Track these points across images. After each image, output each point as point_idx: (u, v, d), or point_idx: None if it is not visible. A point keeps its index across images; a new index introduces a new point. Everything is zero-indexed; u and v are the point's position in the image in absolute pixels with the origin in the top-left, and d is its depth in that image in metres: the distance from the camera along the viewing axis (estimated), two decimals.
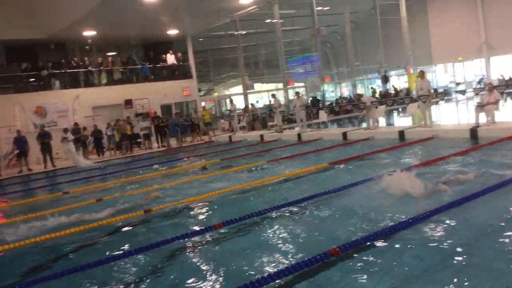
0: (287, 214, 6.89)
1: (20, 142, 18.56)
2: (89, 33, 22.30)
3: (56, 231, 7.35)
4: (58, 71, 22.65)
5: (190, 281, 4.83)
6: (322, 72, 28.51)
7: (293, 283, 4.40)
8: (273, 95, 21.02)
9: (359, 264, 4.62)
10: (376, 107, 16.94)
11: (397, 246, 5.01)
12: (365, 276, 4.32)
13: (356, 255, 4.83)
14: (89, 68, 23.75)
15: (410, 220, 5.60)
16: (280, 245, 5.61)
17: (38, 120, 21.28)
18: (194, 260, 5.55)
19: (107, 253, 6.16)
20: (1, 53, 22.78)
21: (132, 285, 4.92)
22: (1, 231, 7.85)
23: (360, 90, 37.17)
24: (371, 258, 4.73)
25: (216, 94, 36.69)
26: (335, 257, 4.75)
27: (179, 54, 26.87)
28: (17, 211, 10.23)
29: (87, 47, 25.87)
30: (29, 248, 6.79)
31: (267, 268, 4.86)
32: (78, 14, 19.28)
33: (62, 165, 18.99)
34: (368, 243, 5.09)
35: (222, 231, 6.47)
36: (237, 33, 28.67)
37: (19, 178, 17.21)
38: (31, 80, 22.49)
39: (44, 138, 18.82)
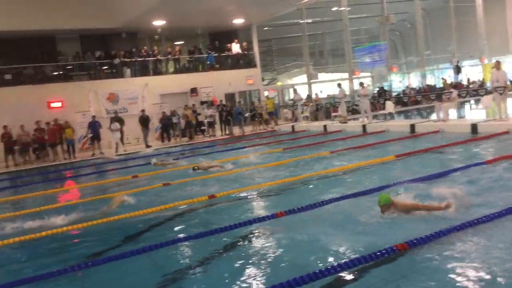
0: (350, 205, 6.76)
1: (94, 127, 19.54)
2: (158, 22, 22.96)
3: (125, 213, 7.69)
4: (129, 60, 23.55)
5: (247, 268, 4.87)
6: (390, 62, 27.63)
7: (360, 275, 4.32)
8: (339, 85, 20.64)
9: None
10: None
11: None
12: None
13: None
14: (158, 57, 24.50)
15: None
16: (339, 236, 5.51)
17: (110, 106, 22.28)
18: (253, 246, 5.59)
19: (170, 235, 6.36)
20: (77, 42, 24.03)
21: (191, 269, 5.04)
22: (76, 210, 8.32)
23: (430, 80, 35.66)
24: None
25: (279, 83, 36.64)
26: (401, 251, 4.62)
27: (244, 43, 27.04)
28: (90, 192, 10.80)
29: (156, 36, 26.65)
30: (101, 227, 7.15)
31: (331, 259, 4.80)
32: (149, 4, 19.91)
33: (131, 149, 19.78)
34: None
35: (284, 219, 6.47)
36: (302, 21, 28.41)
37: (92, 160, 18.11)
38: (104, 68, 23.57)
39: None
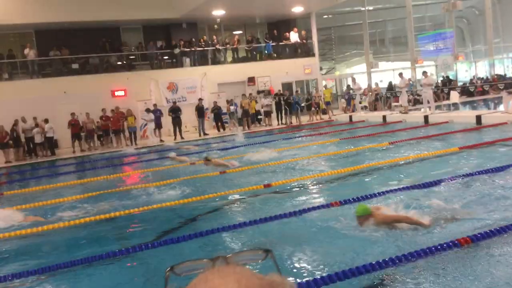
0: (407, 197, 6.53)
1: (156, 115, 20.12)
2: (218, 12, 23.19)
3: (184, 198, 7.89)
4: (189, 49, 24.00)
5: (298, 255, 4.84)
6: (456, 50, 26.34)
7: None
8: (400, 74, 19.96)
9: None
10: None
11: None
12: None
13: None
14: (217, 46, 24.78)
15: None
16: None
17: (170, 95, 22.85)
18: (304, 235, 5.55)
19: (225, 222, 6.44)
20: (140, 32, 24.79)
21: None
22: (140, 195, 8.64)
23: (498, 70, 33.67)
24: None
25: (337, 73, 35.99)
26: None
27: (303, 32, 26.76)
28: (152, 178, 11.12)
29: (216, 26, 26.95)
30: (163, 211, 7.36)
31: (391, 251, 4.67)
32: None
33: (190, 137, 20.20)
34: None
35: (338, 209, 6.37)
36: (363, 9, 27.66)
37: (153, 148, 18.66)
38: (165, 57, 24.17)
39: (175, 112, 20.21)
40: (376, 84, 25.04)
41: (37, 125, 18.29)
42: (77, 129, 19.15)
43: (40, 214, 7.81)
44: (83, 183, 11.37)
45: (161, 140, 19.95)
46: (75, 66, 21.84)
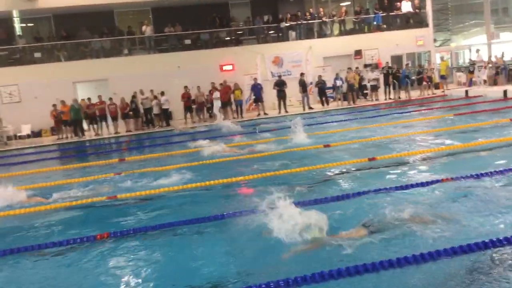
0: None
1: (256, 89, 20.52)
2: None
3: (286, 169, 8.08)
4: (295, 23, 23.93)
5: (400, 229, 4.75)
6: None
7: None
8: None
9: None
10: None
11: None
12: None
13: None
14: (323, 19, 24.37)
15: None
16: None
17: (275, 69, 23.08)
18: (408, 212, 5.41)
19: (329, 192, 6.48)
20: (248, 7, 25.21)
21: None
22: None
23: None
24: None
25: (453, 44, 33.52)
26: None
27: (416, 1, 25.23)
28: (256, 150, 11.44)
29: None
30: (268, 180, 7.60)
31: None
32: None
33: (294, 111, 20.31)
34: None
35: (449, 185, 6.08)
36: None
37: (255, 120, 19.09)
38: (271, 31, 24.37)
39: (280, 86, 20.41)
40: (497, 56, 22.95)
41: (154, 97, 19.64)
42: (189, 102, 20.22)
43: (153, 178, 8.45)
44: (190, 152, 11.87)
45: (265, 113, 20.33)
46: (187, 41, 22.92)
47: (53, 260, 5.12)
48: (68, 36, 22.09)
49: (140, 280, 4.33)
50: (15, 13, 22.23)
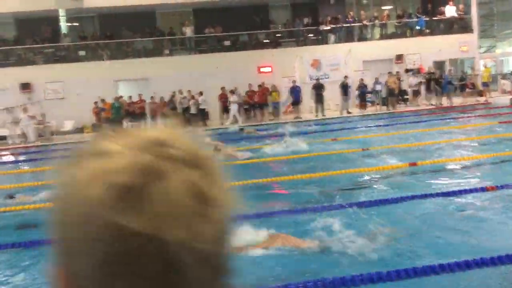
0: None
1: (295, 92, 20.43)
2: None
3: (325, 170, 7.98)
4: (335, 26, 23.73)
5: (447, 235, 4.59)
6: None
7: None
8: None
9: None
10: None
11: None
12: None
13: None
14: (364, 22, 24.06)
15: None
16: None
17: (314, 72, 22.92)
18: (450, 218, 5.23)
19: (371, 196, 6.36)
20: (288, 10, 25.20)
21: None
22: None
23: None
24: None
25: (498, 51, 32.43)
26: None
27: (461, 6, 24.54)
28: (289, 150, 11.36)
29: (365, 1, 26.13)
30: (303, 183, 7.55)
31: None
32: None
33: (332, 115, 20.11)
34: None
35: (494, 194, 5.86)
36: None
37: (295, 122, 18.98)
38: (310, 34, 24.25)
39: (318, 89, 20.26)
40: None
41: (192, 97, 19.88)
42: (226, 103, 20.35)
43: None
44: None
45: (298, 117, 20.25)
46: (227, 43, 23.10)
47: None
48: (111, 35, 22.67)
49: None
50: (61, 12, 22.98)
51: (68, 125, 20.44)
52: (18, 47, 22.14)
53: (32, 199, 7.49)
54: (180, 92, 20.12)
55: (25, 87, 20.78)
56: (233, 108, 20.07)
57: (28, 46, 22.11)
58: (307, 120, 19.18)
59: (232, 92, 20.34)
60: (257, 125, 18.94)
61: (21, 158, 14.33)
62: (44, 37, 22.69)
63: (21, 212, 7.15)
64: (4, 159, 14.54)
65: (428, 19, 24.30)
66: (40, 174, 10.83)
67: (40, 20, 22.49)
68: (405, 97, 21.86)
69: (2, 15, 22.20)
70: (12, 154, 15.26)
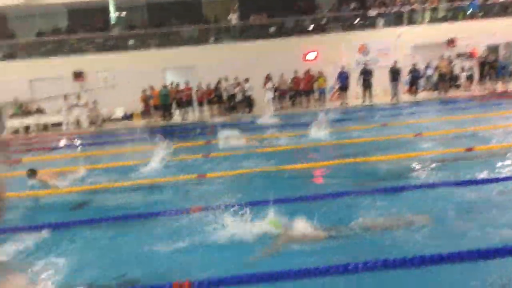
0: None
1: (342, 77, 20.11)
2: None
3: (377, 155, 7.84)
4: (383, 10, 23.10)
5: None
6: None
7: None
8: None
9: None
10: None
11: None
12: None
13: None
14: (414, 5, 23.30)
15: None
16: None
17: (361, 57, 22.47)
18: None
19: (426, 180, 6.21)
20: None
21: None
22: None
23: None
24: None
25: None
26: None
27: None
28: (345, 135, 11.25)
29: None
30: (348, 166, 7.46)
31: None
32: None
33: (379, 101, 19.69)
34: None
35: None
36: None
37: (340, 109, 18.74)
38: (357, 19, 23.73)
39: (366, 75, 19.87)
40: None
41: (238, 84, 19.97)
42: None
43: None
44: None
45: (346, 103, 19.92)
46: (272, 29, 22.98)
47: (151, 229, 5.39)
48: (159, 24, 23.06)
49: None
50: (111, 2, 23.56)
51: (119, 112, 21.05)
52: (70, 37, 22.90)
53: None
54: (226, 79, 20.24)
55: (78, 75, 21.50)
56: (268, 95, 20.00)
57: (80, 36, 22.84)
58: (354, 106, 18.90)
59: (268, 78, 20.28)
60: (302, 112, 18.84)
61: (75, 143, 14.90)
62: (95, 27, 23.37)
63: (75, 193, 7.50)
64: (60, 144, 15.15)
65: (482, 1, 23.25)
66: (92, 158, 11.29)
67: (91, 10, 23.17)
68: (458, 82, 21.09)
69: (55, 5, 23.05)
70: (67, 139, 15.89)
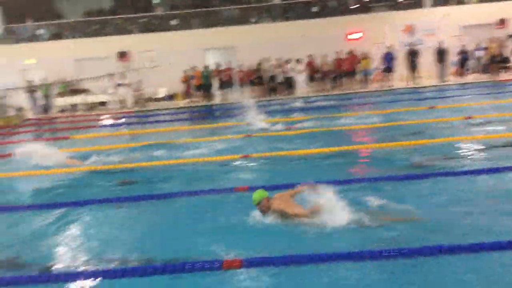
0: None
1: (388, 58, 19.54)
2: None
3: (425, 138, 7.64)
4: None
5: None
6: None
7: None
8: None
9: None
10: None
11: None
12: None
13: None
14: None
15: None
16: None
17: (406, 38, 21.76)
18: None
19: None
20: None
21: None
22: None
23: None
24: None
25: None
26: None
27: None
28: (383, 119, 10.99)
29: None
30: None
31: None
32: None
33: (425, 83, 19.08)
34: None
35: None
36: None
37: (384, 92, 18.28)
38: None
39: (412, 56, 19.25)
40: None
41: (279, 66, 19.79)
42: (313, 71, 20.01)
43: None
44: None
45: (390, 85, 19.41)
46: (314, 9, 22.58)
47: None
48: (201, 5, 23.07)
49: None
50: None
51: (161, 92, 21.33)
52: (114, 17, 23.27)
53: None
54: (267, 60, 20.08)
55: (122, 55, 21.87)
56: (299, 79, 19.75)
57: (124, 16, 23.17)
58: (399, 88, 18.42)
59: (298, 61, 20.00)
60: (345, 94, 18.52)
61: (120, 122, 15.25)
62: (138, 7, 23.65)
63: (120, 169, 7.68)
64: (105, 122, 15.55)
65: None
66: (137, 136, 11.52)
67: None
68: (508, 64, 20.12)
69: None
70: (111, 118, 16.29)
